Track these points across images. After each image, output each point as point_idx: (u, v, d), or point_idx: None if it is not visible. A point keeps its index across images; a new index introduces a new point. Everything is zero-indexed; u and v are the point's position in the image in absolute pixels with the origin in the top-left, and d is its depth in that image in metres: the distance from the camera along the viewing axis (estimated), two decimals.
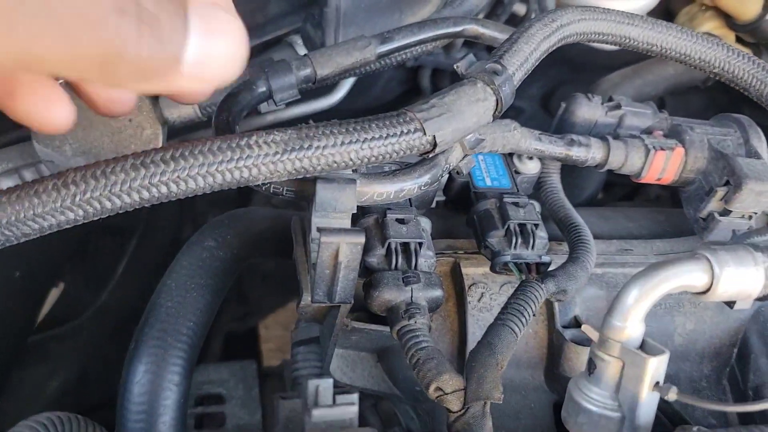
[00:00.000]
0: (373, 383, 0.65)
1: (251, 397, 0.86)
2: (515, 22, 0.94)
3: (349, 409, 0.52)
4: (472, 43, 0.91)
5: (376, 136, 0.45)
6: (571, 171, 0.76)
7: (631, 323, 0.46)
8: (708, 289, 0.47)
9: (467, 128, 0.49)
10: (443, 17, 0.72)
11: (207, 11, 0.35)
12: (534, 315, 0.55)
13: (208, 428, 0.83)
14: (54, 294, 1.18)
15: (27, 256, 0.95)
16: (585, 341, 0.62)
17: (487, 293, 0.64)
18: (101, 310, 1.15)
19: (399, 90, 1.14)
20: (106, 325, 1.14)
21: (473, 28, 0.71)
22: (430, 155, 0.49)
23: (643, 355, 0.45)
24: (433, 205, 0.68)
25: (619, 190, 1.25)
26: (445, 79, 1.08)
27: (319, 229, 0.48)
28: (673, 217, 0.75)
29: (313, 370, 0.70)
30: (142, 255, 1.20)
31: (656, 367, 0.46)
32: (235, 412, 0.84)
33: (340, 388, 0.53)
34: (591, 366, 0.48)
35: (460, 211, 0.68)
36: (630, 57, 0.99)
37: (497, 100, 0.50)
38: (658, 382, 0.46)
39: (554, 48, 0.58)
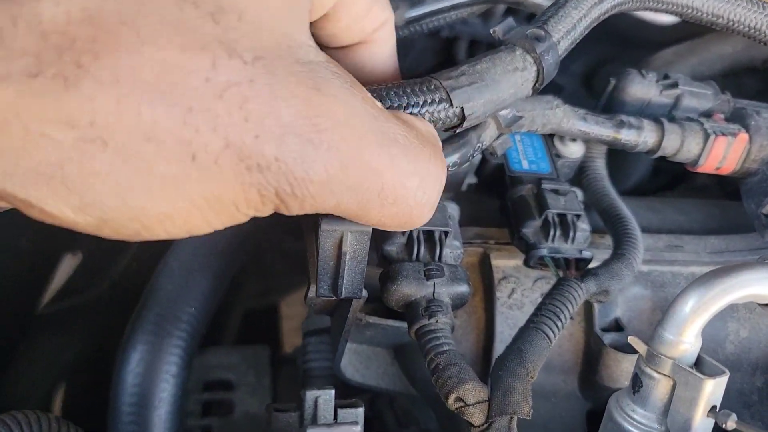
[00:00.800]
0: (387, 382, 0.59)
1: (262, 385, 0.80)
2: None
3: (351, 429, 0.46)
4: (513, 11, 0.84)
5: (395, 105, 0.38)
6: (615, 154, 0.69)
7: (686, 337, 0.39)
8: None
9: (502, 101, 0.43)
10: None
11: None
12: (571, 318, 0.49)
13: (215, 416, 0.78)
14: (71, 264, 1.15)
15: (36, 222, 0.90)
16: (626, 347, 0.55)
17: (519, 289, 0.58)
18: (119, 281, 1.11)
19: (434, 61, 1.06)
20: (123, 296, 1.10)
21: None
22: (458, 130, 0.43)
23: (699, 375, 0.39)
24: (464, 188, 0.62)
25: (663, 178, 1.17)
26: (483, 50, 1.01)
27: (320, 216, 0.42)
28: (729, 210, 0.68)
29: (325, 362, 0.65)
30: None
31: (713, 390, 0.39)
32: (245, 399, 0.79)
33: (343, 400, 0.47)
34: (636, 383, 0.42)
35: (493, 195, 0.62)
36: (683, 33, 0.91)
37: (538, 71, 0.43)
38: (714, 407, 0.40)
39: (606, 16, 0.51)
